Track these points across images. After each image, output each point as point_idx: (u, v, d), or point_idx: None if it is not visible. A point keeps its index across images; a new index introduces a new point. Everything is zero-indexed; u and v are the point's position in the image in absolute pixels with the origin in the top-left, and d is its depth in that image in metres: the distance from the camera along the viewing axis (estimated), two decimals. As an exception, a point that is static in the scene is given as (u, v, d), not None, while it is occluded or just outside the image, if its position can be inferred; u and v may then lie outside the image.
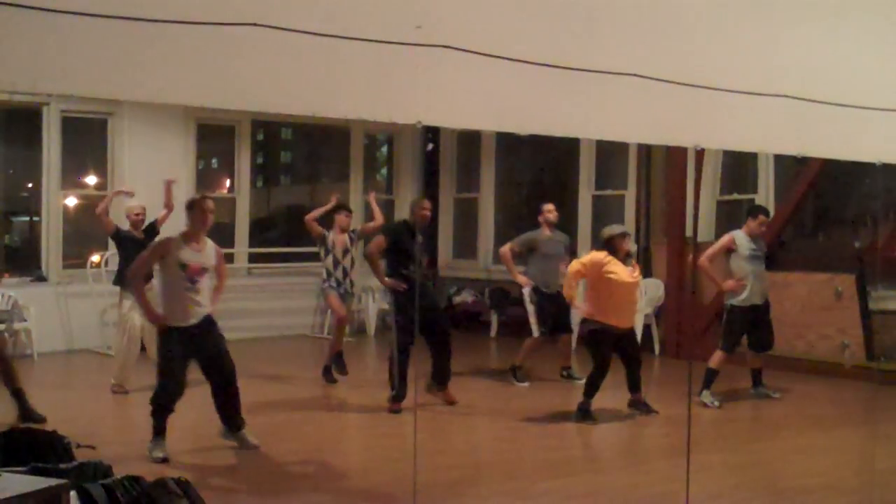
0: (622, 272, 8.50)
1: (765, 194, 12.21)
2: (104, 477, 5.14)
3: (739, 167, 12.66)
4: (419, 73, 4.27)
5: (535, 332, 10.31)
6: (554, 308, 10.12)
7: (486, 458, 7.54)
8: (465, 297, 14.91)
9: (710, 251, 9.65)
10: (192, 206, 7.21)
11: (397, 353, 8.73)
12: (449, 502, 6.14)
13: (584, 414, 8.57)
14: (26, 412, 8.10)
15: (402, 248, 8.87)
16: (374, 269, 9.07)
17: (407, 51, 4.07)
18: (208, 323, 7.20)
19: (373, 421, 8.62)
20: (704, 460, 6.67)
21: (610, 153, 13.58)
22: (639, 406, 8.91)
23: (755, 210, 9.77)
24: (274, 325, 13.71)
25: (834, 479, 6.89)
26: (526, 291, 10.30)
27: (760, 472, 7.10)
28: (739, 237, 9.49)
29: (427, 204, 9.20)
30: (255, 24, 3.72)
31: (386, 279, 8.90)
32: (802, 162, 11.01)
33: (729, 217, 12.75)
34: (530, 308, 10.32)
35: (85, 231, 13.11)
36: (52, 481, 4.12)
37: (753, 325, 9.55)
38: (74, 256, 12.67)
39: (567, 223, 13.52)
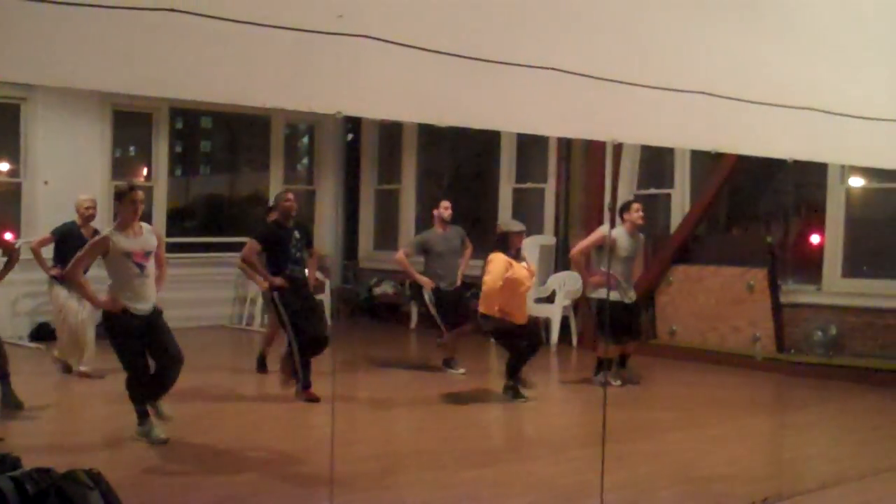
0: (519, 271, 8.77)
1: (681, 189, 12.43)
2: (12, 469, 5.02)
3: (657, 162, 12.86)
4: (340, 62, 4.25)
5: (443, 328, 10.44)
6: (453, 302, 10.29)
7: (405, 448, 7.55)
8: (386, 288, 14.92)
9: (581, 245, 9.72)
10: (122, 197, 7.22)
11: (296, 345, 8.72)
12: (368, 493, 6.15)
13: (514, 391, 8.96)
14: (6, 397, 8.15)
15: (277, 248, 8.88)
16: (252, 273, 9.06)
17: (328, 40, 4.04)
18: (157, 311, 7.31)
19: (290, 412, 8.58)
20: (619, 449, 6.77)
21: (530, 146, 13.69)
22: (510, 390, 9.03)
23: (628, 204, 9.76)
24: (192, 316, 13.53)
25: (744, 468, 7.05)
26: (427, 294, 10.35)
27: (673, 461, 7.23)
28: (620, 235, 9.46)
29: (290, 195, 9.11)
30: (172, 10, 3.67)
31: (267, 279, 8.86)
32: (717, 157, 11.24)
33: (646, 211, 12.94)
34: (433, 310, 10.42)
35: (-4, 218, 12.79)
36: (-41, 473, 4.03)
37: (621, 321, 9.41)
38: (-15, 244, 12.34)
39: (487, 216, 13.63)
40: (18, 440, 6.84)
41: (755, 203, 12.95)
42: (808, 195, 11.88)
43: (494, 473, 6.81)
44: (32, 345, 11.56)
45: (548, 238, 13.18)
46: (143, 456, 7.03)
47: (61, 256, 9.47)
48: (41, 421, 8.13)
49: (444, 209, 10.44)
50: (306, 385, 8.76)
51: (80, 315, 9.51)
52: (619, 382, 9.69)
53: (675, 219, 12.39)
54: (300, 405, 8.70)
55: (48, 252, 9.74)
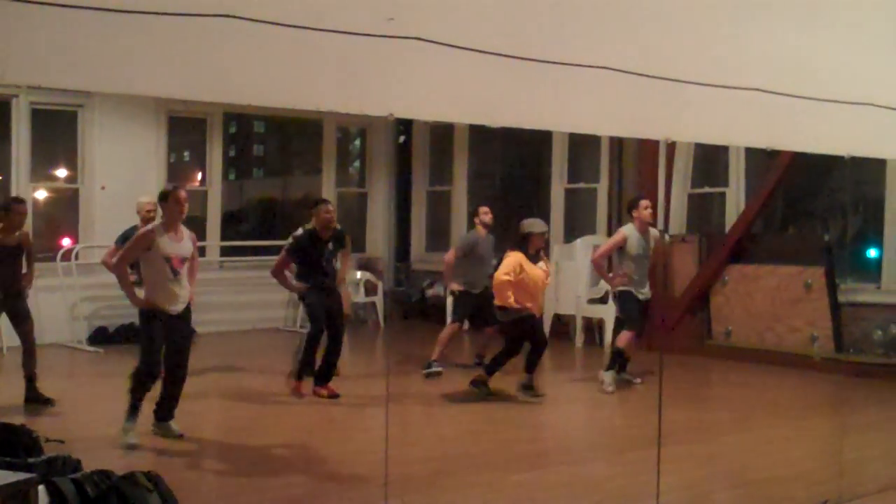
0: (533, 270, 8.86)
1: (736, 187, 12.30)
2: (73, 471, 5.12)
3: (711, 160, 12.73)
4: (391, 65, 4.26)
5: (450, 320, 10.70)
6: (479, 304, 10.35)
7: (458, 449, 7.54)
8: (438, 290, 14.92)
9: (602, 250, 9.84)
10: (167, 198, 7.33)
11: (307, 343, 9.06)
12: (422, 494, 6.15)
13: (481, 385, 9.09)
14: (35, 395, 8.52)
15: (308, 260, 9.03)
16: (282, 284, 9.41)
17: (379, 43, 4.06)
18: (187, 313, 7.42)
19: (344, 414, 8.63)
20: (675, 451, 6.71)
21: (582, 146, 13.63)
22: (527, 389, 9.10)
23: (635, 200, 9.80)
24: (246, 319, 13.67)
25: (802, 470, 6.95)
26: (449, 291, 10.66)
27: (730, 463, 7.16)
28: (631, 234, 9.53)
29: (329, 207, 9.19)
30: (227, 16, 3.70)
31: (295, 284, 9.25)
32: (773, 155, 11.10)
33: (700, 210, 12.84)
34: (449, 300, 10.77)
35: (55, 224, 13.01)
36: (21, 475, 4.10)
37: (634, 310, 9.67)
38: (44, 250, 12.55)
39: (539, 216, 13.55)
40: (77, 443, 6.92)
41: (812, 201, 12.77)
42: (866, 192, 11.68)
43: (548, 476, 6.78)
44: (90, 348, 11.74)
45: (600, 238, 13.06)
46: (199, 458, 7.11)
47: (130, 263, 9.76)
48: (98, 423, 8.24)
49: (485, 214, 10.51)
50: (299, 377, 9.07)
51: None
52: (639, 381, 9.72)
53: (730, 218, 12.25)
54: (353, 407, 8.74)
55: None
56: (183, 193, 7.37)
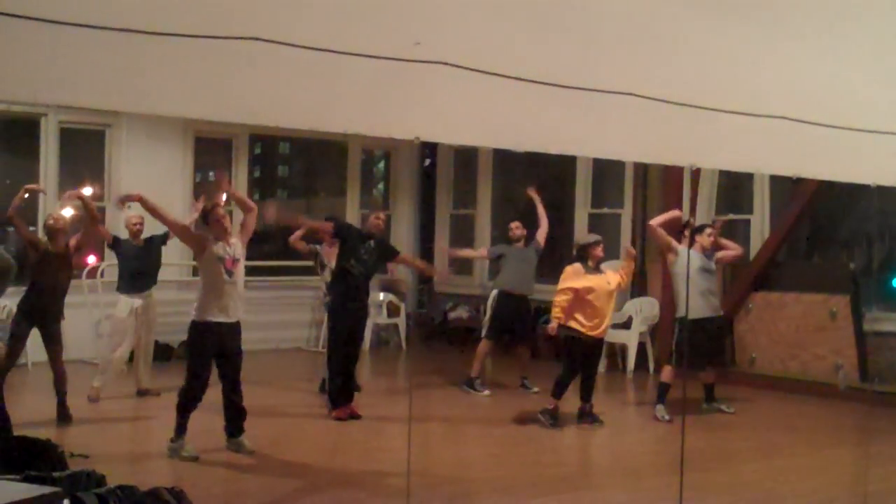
0: (589, 279, 8.83)
1: (760, 215, 12.25)
2: (97, 486, 5.14)
3: (735, 187, 12.69)
4: (418, 89, 4.29)
5: (484, 332, 10.86)
6: (516, 314, 10.66)
7: (479, 472, 7.52)
8: (461, 312, 14.92)
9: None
10: (207, 218, 7.81)
11: (338, 360, 9.03)
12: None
13: (551, 415, 8.92)
14: (64, 413, 8.58)
15: (348, 242, 9.13)
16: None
17: (406, 67, 4.09)
18: (237, 324, 7.53)
19: (367, 434, 8.62)
20: (696, 479, 6.67)
21: (606, 171, 13.61)
22: (585, 416, 9.06)
23: (699, 228, 9.80)
24: (269, 339, 13.68)
25: (826, 499, 6.89)
26: (492, 296, 10.84)
27: (752, 492, 7.09)
28: (692, 255, 9.36)
29: (381, 215, 9.62)
30: (255, 39, 3.74)
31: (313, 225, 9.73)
32: (798, 183, 11.05)
33: (725, 237, 12.77)
34: (489, 313, 10.89)
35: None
36: (46, 489, 4.12)
37: (707, 339, 9.47)
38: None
39: (563, 241, 13.56)
40: (101, 458, 6.95)
41: (837, 229, 12.70)
42: (892, 221, 11.61)
43: (569, 500, 6.75)
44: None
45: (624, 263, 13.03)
46: (220, 475, 7.12)
47: (125, 271, 9.99)
48: (122, 439, 8.29)
49: (517, 228, 10.97)
50: (336, 404, 8.99)
51: (129, 339, 9.81)
52: (732, 409, 9.61)
53: (755, 245, 12.19)
54: (375, 428, 8.73)
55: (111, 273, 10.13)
56: (220, 210, 7.68)
